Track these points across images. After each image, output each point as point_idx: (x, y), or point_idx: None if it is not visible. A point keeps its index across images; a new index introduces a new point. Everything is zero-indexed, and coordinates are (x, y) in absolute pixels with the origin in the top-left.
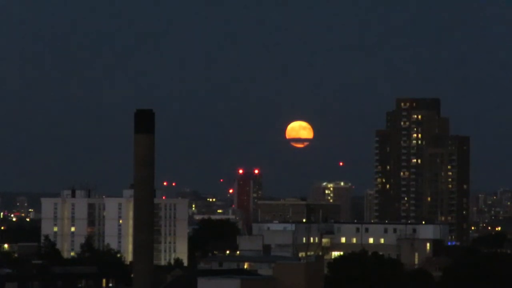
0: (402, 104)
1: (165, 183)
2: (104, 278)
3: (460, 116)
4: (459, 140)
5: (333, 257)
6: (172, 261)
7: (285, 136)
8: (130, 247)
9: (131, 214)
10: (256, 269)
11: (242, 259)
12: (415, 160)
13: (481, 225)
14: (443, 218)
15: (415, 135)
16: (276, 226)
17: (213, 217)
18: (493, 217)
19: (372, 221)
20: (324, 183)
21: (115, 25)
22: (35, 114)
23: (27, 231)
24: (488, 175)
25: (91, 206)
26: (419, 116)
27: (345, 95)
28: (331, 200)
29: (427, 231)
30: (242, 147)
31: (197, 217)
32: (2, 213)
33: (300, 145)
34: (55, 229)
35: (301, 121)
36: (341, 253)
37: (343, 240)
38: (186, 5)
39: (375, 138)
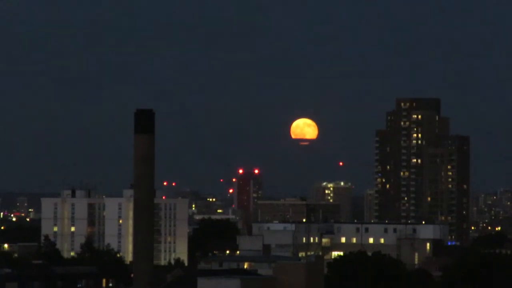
0: (402, 104)
1: (165, 183)
2: (104, 278)
3: (460, 116)
4: (459, 140)
5: (333, 257)
6: (172, 261)
7: (290, 135)
8: (130, 247)
9: (131, 214)
10: (256, 269)
11: (242, 259)
12: (415, 160)
13: (481, 225)
14: (443, 218)
15: (415, 135)
16: (276, 226)
17: (213, 217)
18: (493, 217)
19: (372, 221)
20: (324, 183)
21: (116, 25)
22: (35, 114)
23: (27, 231)
24: (488, 175)
25: (91, 206)
26: (419, 116)
27: (345, 95)
28: (331, 200)
29: (427, 231)
30: (242, 147)
31: (197, 217)
32: (2, 213)
33: (305, 143)
34: (55, 229)
35: (305, 118)
36: (341, 253)
37: (343, 240)
38: (186, 5)
39: (375, 138)
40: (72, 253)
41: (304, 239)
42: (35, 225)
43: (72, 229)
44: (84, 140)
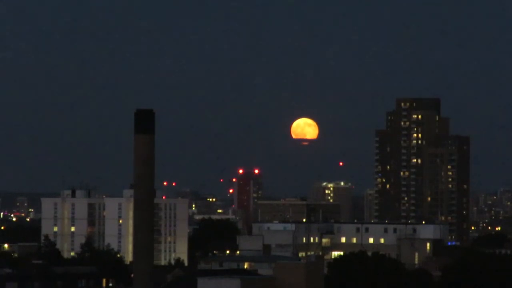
0: (402, 104)
1: (165, 183)
2: (104, 278)
3: (460, 116)
4: (459, 140)
5: (333, 257)
6: (172, 261)
7: (290, 135)
8: (130, 247)
9: (131, 214)
10: (256, 269)
11: (242, 259)
12: (415, 160)
13: (481, 225)
14: (443, 218)
15: (415, 135)
16: (276, 226)
17: (213, 217)
18: (493, 217)
19: (372, 221)
20: (324, 183)
21: (116, 25)
22: (35, 114)
23: (27, 231)
24: (488, 175)
25: (91, 206)
26: (419, 116)
27: (345, 95)
28: (331, 200)
29: (427, 231)
30: (242, 147)
31: (197, 217)
32: (2, 213)
33: (305, 144)
34: (55, 229)
35: (306, 117)
36: (341, 253)
37: (343, 240)
38: (186, 4)
39: (375, 138)
40: (72, 253)
41: (304, 239)
42: (35, 225)
43: (72, 229)
44: (84, 140)
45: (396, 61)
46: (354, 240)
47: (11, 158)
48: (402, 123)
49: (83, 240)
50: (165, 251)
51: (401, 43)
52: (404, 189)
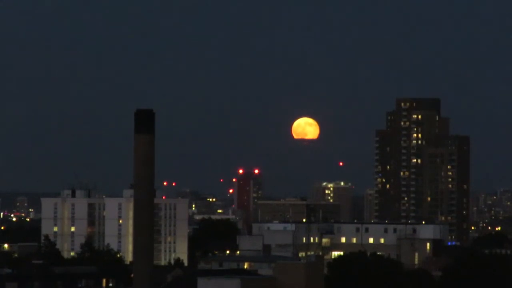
0: (402, 104)
1: (165, 183)
2: (104, 278)
3: (460, 116)
4: (459, 140)
5: (333, 257)
6: (172, 261)
7: (291, 134)
8: (130, 247)
9: (131, 214)
10: (256, 269)
11: (242, 259)
12: (415, 160)
13: (481, 225)
14: (443, 218)
15: (415, 135)
16: (276, 226)
17: (213, 217)
18: (493, 217)
19: (372, 221)
20: (324, 183)
21: (116, 25)
22: (35, 114)
23: (27, 231)
24: (488, 175)
25: (91, 206)
26: (419, 116)
27: (345, 95)
28: (331, 200)
29: (427, 231)
30: (242, 147)
31: (197, 217)
32: (2, 213)
33: (306, 143)
34: (55, 229)
35: (307, 117)
36: (341, 253)
37: (343, 240)
38: (186, 4)
39: (375, 138)
40: (72, 253)
41: (304, 239)
42: (35, 225)
43: (72, 229)
44: (84, 140)
45: (396, 61)
46: (354, 240)
47: (11, 158)
48: (402, 123)
49: (83, 240)
50: (165, 251)
51: (401, 43)
52: (404, 189)
